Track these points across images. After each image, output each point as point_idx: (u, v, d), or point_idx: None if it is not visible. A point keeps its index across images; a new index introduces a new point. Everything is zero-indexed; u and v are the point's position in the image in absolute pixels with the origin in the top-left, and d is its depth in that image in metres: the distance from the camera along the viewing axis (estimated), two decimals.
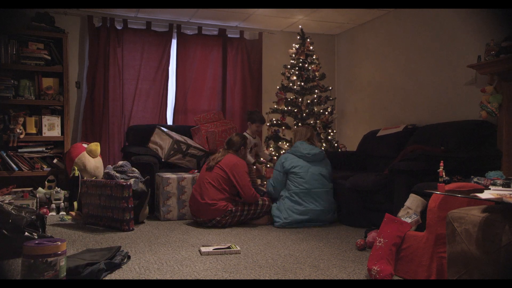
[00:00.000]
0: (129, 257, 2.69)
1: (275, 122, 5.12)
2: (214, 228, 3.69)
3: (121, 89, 5.26)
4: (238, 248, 2.89)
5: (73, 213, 4.04)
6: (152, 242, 3.18)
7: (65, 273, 2.13)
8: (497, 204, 1.92)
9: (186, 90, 5.54)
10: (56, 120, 4.65)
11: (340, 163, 4.71)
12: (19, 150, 4.49)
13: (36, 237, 2.73)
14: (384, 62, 5.25)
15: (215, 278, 2.37)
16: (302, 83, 5.06)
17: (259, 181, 4.66)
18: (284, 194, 3.96)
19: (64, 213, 4.19)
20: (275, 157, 5.00)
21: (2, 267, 2.54)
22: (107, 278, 2.35)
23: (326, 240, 3.29)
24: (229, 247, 2.88)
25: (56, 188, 4.36)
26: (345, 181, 3.97)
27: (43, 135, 4.59)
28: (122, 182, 3.56)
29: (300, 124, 5.02)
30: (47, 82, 4.62)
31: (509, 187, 2.06)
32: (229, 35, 5.73)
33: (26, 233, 2.75)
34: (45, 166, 4.58)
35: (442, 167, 2.26)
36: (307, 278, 2.39)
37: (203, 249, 2.86)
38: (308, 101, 5.08)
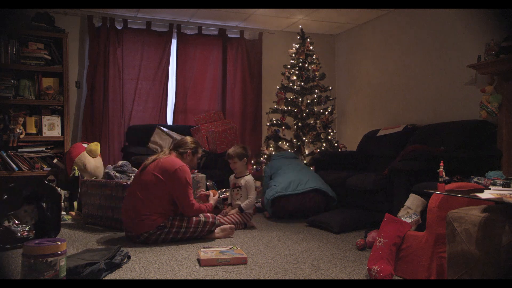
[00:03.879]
0: (129, 257, 2.69)
1: (275, 122, 5.12)
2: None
3: (121, 89, 5.26)
4: (244, 255, 2.70)
5: (73, 213, 4.04)
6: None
7: (65, 273, 2.13)
8: (497, 204, 1.92)
9: (186, 90, 5.55)
10: (56, 120, 4.65)
11: (340, 163, 4.71)
12: (19, 150, 4.49)
13: None
14: (384, 62, 5.25)
15: (215, 278, 2.37)
16: (302, 83, 5.06)
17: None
18: (272, 183, 4.14)
19: (64, 213, 4.18)
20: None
21: (1, 266, 2.54)
22: (107, 278, 2.35)
23: (326, 240, 3.29)
24: (231, 248, 2.85)
25: (56, 188, 4.36)
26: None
27: (43, 135, 4.59)
28: (122, 182, 3.55)
29: (300, 124, 5.02)
30: (47, 82, 4.62)
31: (509, 187, 2.06)
32: (229, 35, 5.73)
33: None
34: (45, 166, 4.59)
35: (442, 167, 2.26)
36: (307, 278, 2.39)
37: (203, 255, 2.68)
38: (308, 101, 5.08)
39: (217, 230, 3.35)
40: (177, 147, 3.34)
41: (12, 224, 2.95)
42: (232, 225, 3.44)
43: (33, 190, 3.11)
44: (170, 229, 3.09)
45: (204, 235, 3.25)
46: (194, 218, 3.19)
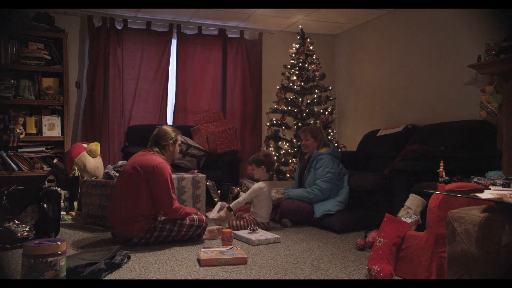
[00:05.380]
0: (129, 257, 2.69)
1: (275, 122, 5.12)
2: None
3: (121, 89, 5.26)
4: (244, 255, 2.70)
5: (73, 213, 4.04)
6: (152, 242, 3.17)
7: (65, 273, 2.13)
8: (497, 204, 1.92)
9: (186, 90, 5.55)
10: (56, 120, 4.65)
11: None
12: (19, 150, 4.49)
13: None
14: (384, 62, 5.25)
15: (215, 278, 2.37)
16: (302, 83, 5.06)
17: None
18: (339, 197, 3.88)
19: (64, 213, 4.18)
20: (275, 157, 5.00)
21: (2, 266, 2.54)
22: (107, 278, 2.35)
23: (326, 240, 3.29)
24: (231, 248, 2.85)
25: (56, 188, 4.36)
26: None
27: (43, 135, 4.59)
28: None
29: (300, 124, 5.02)
30: (47, 82, 4.62)
31: (509, 187, 2.06)
32: (229, 35, 5.73)
33: None
34: (45, 166, 4.58)
35: (442, 167, 2.26)
36: (307, 278, 2.39)
37: (203, 255, 2.68)
38: (308, 101, 5.08)
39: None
40: (158, 140, 3.15)
41: (12, 224, 2.95)
42: (219, 227, 3.31)
43: (34, 195, 3.11)
44: (160, 232, 3.00)
45: (194, 238, 3.16)
46: (187, 222, 3.08)
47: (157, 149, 3.14)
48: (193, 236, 3.14)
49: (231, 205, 3.60)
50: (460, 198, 2.22)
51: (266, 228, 3.63)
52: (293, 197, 3.85)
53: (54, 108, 4.67)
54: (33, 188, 3.23)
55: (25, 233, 2.95)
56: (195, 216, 3.15)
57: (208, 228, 3.26)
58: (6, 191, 3.10)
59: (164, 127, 3.27)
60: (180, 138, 3.32)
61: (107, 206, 3.43)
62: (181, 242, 3.14)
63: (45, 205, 3.09)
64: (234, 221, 3.61)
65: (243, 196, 3.65)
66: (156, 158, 3.04)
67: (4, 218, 2.96)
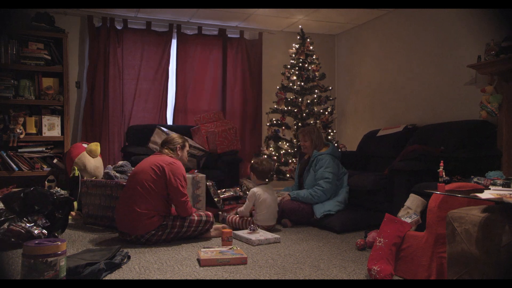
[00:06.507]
0: (129, 257, 2.69)
1: (275, 122, 5.12)
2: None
3: (121, 89, 5.26)
4: (244, 255, 2.70)
5: (73, 213, 4.04)
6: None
7: (65, 273, 2.13)
8: (497, 204, 1.92)
9: (186, 90, 5.55)
10: (56, 120, 4.65)
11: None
12: (19, 150, 4.49)
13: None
14: (384, 62, 5.25)
15: (215, 278, 2.37)
16: (302, 83, 5.06)
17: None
18: (338, 197, 3.88)
19: None
20: (275, 157, 5.00)
21: (2, 266, 2.55)
22: (107, 278, 2.35)
23: (326, 240, 3.29)
24: (231, 248, 2.85)
25: (56, 188, 4.36)
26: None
27: (43, 135, 4.59)
28: (122, 182, 3.55)
29: (300, 124, 5.02)
30: (47, 82, 4.62)
31: (509, 187, 2.06)
32: (229, 35, 5.73)
33: None
34: (45, 166, 4.59)
35: (442, 167, 2.26)
36: (307, 278, 2.39)
37: (203, 254, 2.68)
38: (308, 101, 5.08)
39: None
40: (165, 143, 3.35)
41: (26, 224, 2.97)
42: (224, 225, 3.50)
43: (48, 202, 3.13)
44: (171, 229, 3.11)
45: (203, 233, 3.29)
46: (196, 218, 3.21)
47: (167, 151, 3.31)
48: (202, 231, 3.28)
49: (237, 213, 3.75)
50: (460, 198, 2.22)
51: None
52: (299, 197, 3.86)
53: (54, 108, 4.67)
54: (48, 193, 3.23)
55: (39, 231, 2.97)
56: (202, 213, 3.29)
57: (215, 226, 3.39)
58: (22, 193, 3.11)
59: (171, 134, 3.45)
60: (188, 144, 3.48)
61: (114, 208, 3.46)
62: (191, 238, 3.22)
63: (56, 214, 3.14)
64: (233, 219, 3.65)
65: (245, 204, 3.71)
66: (170, 158, 3.24)
67: (10, 219, 2.96)
